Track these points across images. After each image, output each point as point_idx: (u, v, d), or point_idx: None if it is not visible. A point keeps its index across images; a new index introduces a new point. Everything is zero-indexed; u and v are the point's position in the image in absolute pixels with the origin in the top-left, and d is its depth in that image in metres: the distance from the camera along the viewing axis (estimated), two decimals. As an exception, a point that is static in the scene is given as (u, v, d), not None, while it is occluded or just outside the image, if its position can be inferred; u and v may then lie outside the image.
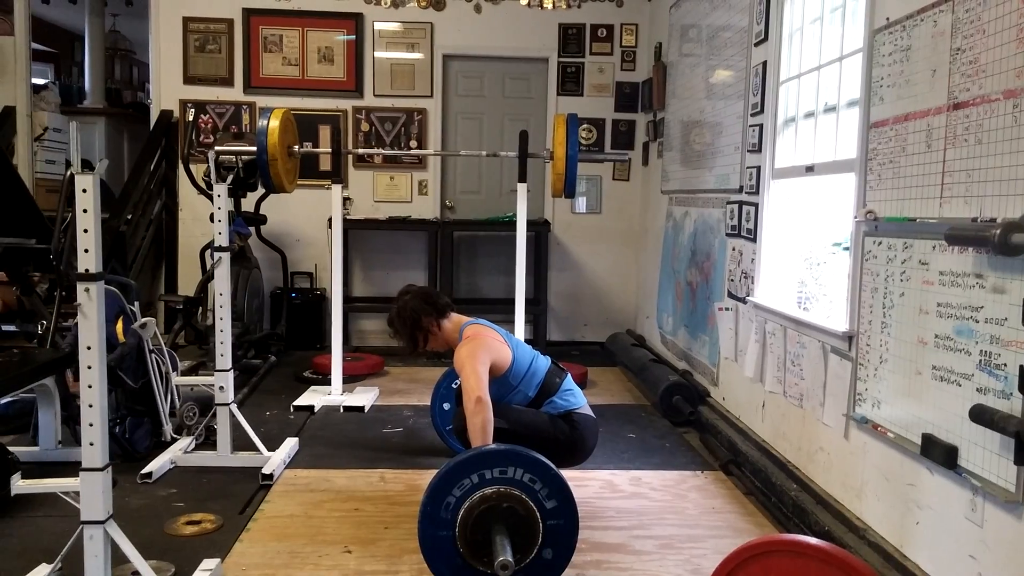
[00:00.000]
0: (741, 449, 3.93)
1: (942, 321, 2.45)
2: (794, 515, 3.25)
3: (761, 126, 4.04)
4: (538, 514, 2.57)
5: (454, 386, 4.03)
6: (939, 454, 2.41)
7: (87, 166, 2.34)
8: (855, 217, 3.02)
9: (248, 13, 6.64)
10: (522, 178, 4.93)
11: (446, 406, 4.06)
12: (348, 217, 6.35)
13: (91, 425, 2.28)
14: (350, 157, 6.75)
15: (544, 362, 3.43)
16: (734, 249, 4.40)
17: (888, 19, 2.86)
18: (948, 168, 2.45)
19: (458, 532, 2.56)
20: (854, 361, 3.00)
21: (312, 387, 5.25)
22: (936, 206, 2.50)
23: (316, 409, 4.84)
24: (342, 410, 4.85)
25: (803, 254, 3.83)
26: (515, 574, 2.47)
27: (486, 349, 3.19)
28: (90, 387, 2.27)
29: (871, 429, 2.86)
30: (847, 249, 3.32)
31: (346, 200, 6.59)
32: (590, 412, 3.39)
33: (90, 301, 2.24)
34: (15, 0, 6.59)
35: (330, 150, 4.99)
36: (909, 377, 2.63)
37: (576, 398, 3.38)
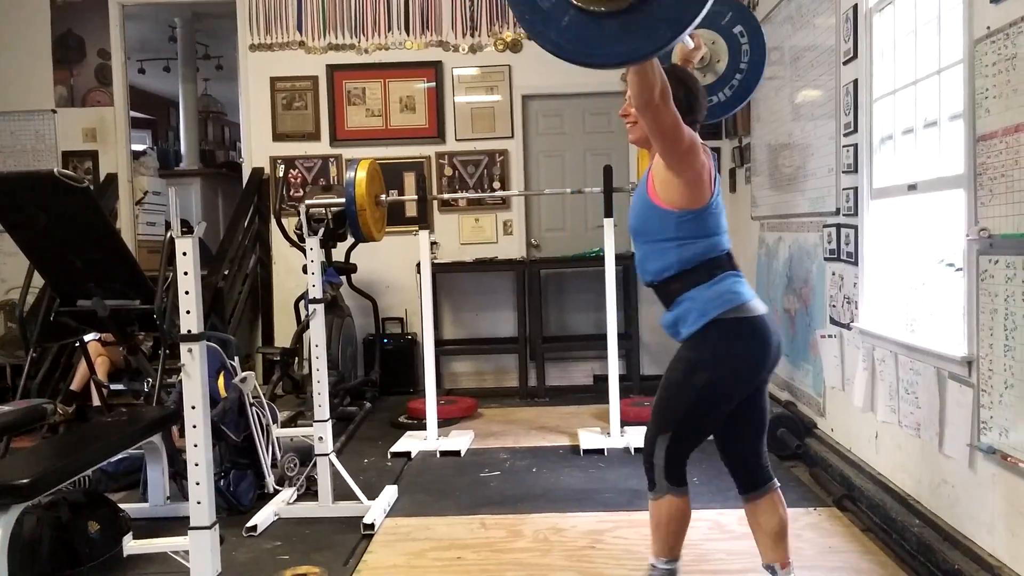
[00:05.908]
0: (855, 483, 3.73)
1: (1075, 342, 2.27)
2: (919, 553, 3.05)
3: (856, 145, 3.89)
4: None
5: None
6: (1082, 487, 2.23)
7: (185, 226, 2.40)
8: (967, 235, 2.85)
9: (332, 69, 6.84)
10: (608, 213, 4.88)
11: None
12: (436, 261, 6.40)
13: (198, 484, 2.32)
14: (435, 202, 6.83)
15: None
16: (834, 274, 4.23)
17: (989, 28, 2.71)
18: (1070, 178, 2.29)
19: None
20: (975, 387, 2.82)
21: (408, 432, 5.26)
22: (1059, 219, 2.34)
23: (413, 455, 4.84)
24: (439, 455, 4.84)
25: (909, 275, 3.64)
26: None
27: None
28: (196, 446, 2.31)
29: (999, 459, 2.66)
30: (951, 265, 3.14)
31: (433, 244, 6.64)
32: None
33: (193, 361, 2.29)
34: (114, 72, 6.97)
35: (415, 197, 5.04)
36: (1041, 404, 2.44)
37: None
